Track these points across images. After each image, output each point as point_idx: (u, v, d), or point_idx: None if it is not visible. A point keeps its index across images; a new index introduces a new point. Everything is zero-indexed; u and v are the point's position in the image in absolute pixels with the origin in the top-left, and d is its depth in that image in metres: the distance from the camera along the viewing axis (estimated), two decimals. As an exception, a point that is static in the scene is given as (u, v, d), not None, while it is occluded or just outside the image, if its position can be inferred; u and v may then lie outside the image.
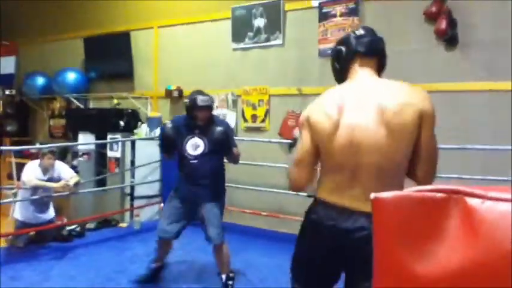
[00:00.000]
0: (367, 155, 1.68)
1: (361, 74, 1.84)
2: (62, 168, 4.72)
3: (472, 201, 0.79)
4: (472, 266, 0.76)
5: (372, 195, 0.90)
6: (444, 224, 0.83)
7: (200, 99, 3.33)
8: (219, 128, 3.37)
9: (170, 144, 3.40)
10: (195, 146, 3.38)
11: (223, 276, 3.54)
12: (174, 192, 3.57)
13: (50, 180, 4.58)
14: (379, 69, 1.93)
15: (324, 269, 1.86)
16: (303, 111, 1.90)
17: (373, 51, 1.89)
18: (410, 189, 0.89)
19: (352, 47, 1.88)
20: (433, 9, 4.24)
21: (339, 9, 4.84)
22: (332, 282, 1.88)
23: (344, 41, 1.93)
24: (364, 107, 1.70)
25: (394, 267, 0.87)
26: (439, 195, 0.84)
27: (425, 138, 1.76)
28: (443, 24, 4.18)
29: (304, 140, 1.82)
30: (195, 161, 3.37)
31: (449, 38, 4.23)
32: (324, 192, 1.79)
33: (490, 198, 0.78)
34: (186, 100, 3.44)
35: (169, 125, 3.42)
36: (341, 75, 1.92)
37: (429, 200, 0.85)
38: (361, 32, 1.91)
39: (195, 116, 3.35)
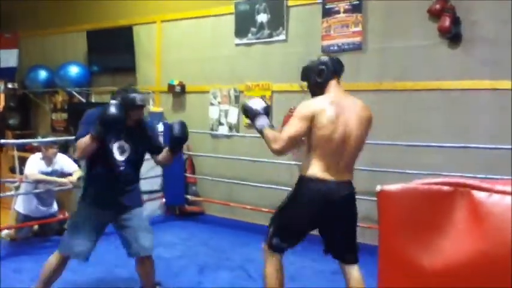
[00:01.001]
0: (352, 143, 2.59)
1: (337, 89, 2.67)
2: (64, 161, 4.73)
3: (479, 195, 0.79)
4: (478, 258, 0.77)
5: (378, 188, 0.91)
6: (450, 216, 0.83)
7: (139, 98, 2.88)
8: (146, 131, 3.04)
9: (109, 130, 2.77)
10: (121, 149, 2.95)
11: None
12: (85, 200, 2.99)
13: (53, 172, 4.59)
14: None
15: (311, 226, 2.69)
16: (302, 105, 2.60)
17: (342, 74, 2.75)
18: (417, 182, 0.89)
19: (331, 68, 2.68)
20: (437, 6, 4.23)
21: (342, 5, 4.83)
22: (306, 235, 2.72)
23: (325, 63, 2.69)
24: (348, 111, 2.57)
25: (399, 259, 0.88)
26: (445, 188, 0.85)
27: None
28: (446, 22, 4.17)
29: (301, 127, 2.53)
30: (122, 167, 2.93)
31: (453, 36, 4.22)
32: (319, 171, 2.55)
33: (497, 192, 0.78)
34: (116, 96, 2.93)
35: (116, 104, 2.78)
36: (319, 89, 2.68)
37: (436, 192, 0.85)
38: (334, 58, 2.77)
39: (127, 115, 2.83)
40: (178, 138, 2.99)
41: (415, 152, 4.36)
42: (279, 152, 2.60)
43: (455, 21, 4.18)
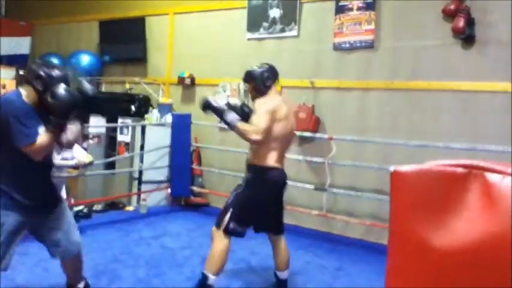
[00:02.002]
0: (291, 138, 3.19)
1: (276, 92, 3.18)
2: (75, 149, 4.75)
3: (492, 177, 0.79)
4: (490, 239, 0.77)
5: (391, 168, 0.91)
6: (463, 198, 0.83)
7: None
8: None
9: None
10: None
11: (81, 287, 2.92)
12: (10, 206, 2.41)
13: (63, 160, 4.62)
14: None
15: (264, 210, 3.04)
16: (262, 102, 2.98)
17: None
18: (431, 163, 0.89)
19: (274, 74, 3.16)
20: (452, 6, 4.20)
21: (356, 3, 4.80)
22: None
23: (271, 69, 3.16)
24: (289, 111, 3.10)
25: (410, 238, 0.88)
26: (459, 169, 0.85)
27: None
28: (461, 23, 4.14)
29: (269, 119, 2.88)
30: (46, 161, 2.55)
31: (467, 37, 4.19)
32: (273, 161, 2.98)
33: (511, 174, 0.78)
34: (33, 74, 2.39)
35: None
36: (263, 92, 3.07)
37: (449, 174, 0.85)
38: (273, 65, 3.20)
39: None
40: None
41: (425, 152, 4.33)
42: (260, 142, 2.87)
43: (470, 22, 4.15)
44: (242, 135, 2.91)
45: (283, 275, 3.30)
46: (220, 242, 2.97)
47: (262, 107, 2.94)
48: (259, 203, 3.02)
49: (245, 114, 3.18)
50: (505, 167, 0.80)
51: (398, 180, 0.98)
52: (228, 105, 3.16)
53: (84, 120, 2.48)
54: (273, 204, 3.13)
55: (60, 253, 2.68)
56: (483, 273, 0.80)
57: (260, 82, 3.10)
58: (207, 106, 3.03)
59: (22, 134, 2.31)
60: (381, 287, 3.60)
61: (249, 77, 3.17)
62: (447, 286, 0.86)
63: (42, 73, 2.37)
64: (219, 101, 3.09)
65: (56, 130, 2.39)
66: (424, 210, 0.92)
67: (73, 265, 2.81)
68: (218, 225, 3.00)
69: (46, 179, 2.62)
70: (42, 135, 2.35)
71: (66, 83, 2.39)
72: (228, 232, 2.97)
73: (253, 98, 3.14)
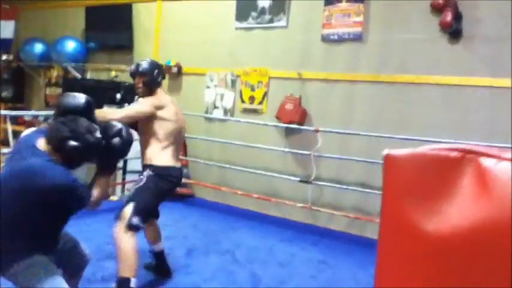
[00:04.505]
0: (182, 136, 3.33)
1: (162, 90, 3.21)
2: None
3: (486, 161, 0.78)
4: (483, 224, 0.76)
5: (385, 151, 0.91)
6: (457, 182, 0.82)
7: None
8: None
9: None
10: None
11: None
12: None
13: None
14: None
15: (162, 200, 3.14)
16: (150, 98, 3.06)
17: None
18: (425, 147, 0.88)
19: (163, 73, 3.28)
20: (440, 1, 4.19)
21: (345, -6, 4.78)
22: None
23: (160, 67, 3.21)
24: (178, 109, 3.19)
25: (402, 223, 0.86)
26: (453, 154, 0.83)
27: None
28: (448, 17, 4.14)
29: (145, 112, 2.97)
30: None
31: (453, 31, 4.20)
32: (168, 160, 3.05)
33: (505, 159, 0.77)
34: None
35: None
36: (154, 88, 3.11)
37: (443, 158, 0.84)
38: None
39: None
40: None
41: (411, 146, 4.35)
42: (122, 120, 2.66)
43: (457, 16, 4.16)
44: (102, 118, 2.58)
45: (160, 245, 3.39)
46: (127, 240, 2.83)
47: (147, 100, 3.03)
48: (157, 200, 3.10)
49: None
50: (499, 151, 0.79)
51: (391, 164, 0.97)
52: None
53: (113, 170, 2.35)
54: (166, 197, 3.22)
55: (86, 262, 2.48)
56: (477, 257, 0.80)
57: (152, 78, 3.10)
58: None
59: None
60: (364, 279, 3.63)
61: (147, 70, 3.11)
62: (439, 271, 0.85)
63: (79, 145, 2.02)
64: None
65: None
66: (417, 194, 0.91)
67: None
68: (120, 222, 2.87)
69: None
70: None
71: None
72: (131, 228, 2.85)
73: (142, 95, 3.09)
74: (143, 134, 3.11)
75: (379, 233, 0.96)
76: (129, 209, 2.88)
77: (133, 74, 3.16)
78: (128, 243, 2.82)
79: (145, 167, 3.08)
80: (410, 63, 4.49)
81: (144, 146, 3.10)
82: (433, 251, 0.83)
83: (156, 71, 3.13)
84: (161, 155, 3.04)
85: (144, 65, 3.12)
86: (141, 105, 3.03)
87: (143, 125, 3.09)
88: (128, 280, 2.77)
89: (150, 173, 3.01)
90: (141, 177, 3.03)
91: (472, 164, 0.82)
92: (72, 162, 2.08)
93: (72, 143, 2.00)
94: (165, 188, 3.07)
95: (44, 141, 2.06)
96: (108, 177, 2.30)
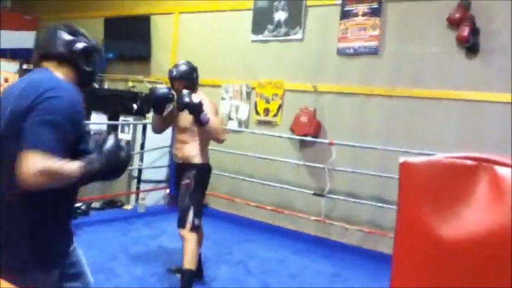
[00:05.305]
0: None
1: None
2: None
3: (502, 170, 0.79)
4: (498, 231, 0.77)
5: (401, 159, 0.93)
6: (472, 190, 0.83)
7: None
8: None
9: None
10: None
11: None
12: None
13: None
14: None
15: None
16: (210, 101, 3.26)
17: None
18: (441, 155, 0.90)
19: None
20: (457, 15, 4.19)
21: (361, 8, 4.80)
22: None
23: (196, 69, 3.36)
24: None
25: (418, 230, 0.88)
26: (469, 162, 0.85)
27: None
28: (465, 31, 4.12)
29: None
30: None
31: (471, 46, 4.18)
32: (207, 157, 3.33)
33: None
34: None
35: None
36: (195, 89, 3.30)
37: (459, 166, 0.86)
38: None
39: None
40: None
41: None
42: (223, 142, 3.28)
43: (474, 31, 4.14)
44: (213, 133, 3.10)
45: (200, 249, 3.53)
46: (194, 241, 3.17)
47: (214, 108, 3.29)
48: (203, 196, 3.45)
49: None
50: None
51: (407, 171, 0.99)
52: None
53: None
54: None
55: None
56: (492, 264, 0.81)
57: (195, 79, 3.34)
58: (185, 103, 3.03)
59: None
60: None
61: (187, 74, 3.27)
62: (455, 277, 0.86)
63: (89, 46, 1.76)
64: (196, 97, 3.10)
65: None
66: (433, 202, 0.92)
67: None
68: (184, 225, 3.17)
69: None
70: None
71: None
72: (194, 229, 3.19)
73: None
74: (190, 134, 3.24)
75: (394, 239, 0.97)
76: (190, 214, 3.16)
77: (175, 78, 3.23)
78: (194, 243, 3.16)
79: (188, 166, 3.26)
80: (426, 78, 4.47)
81: (188, 144, 3.26)
82: (449, 256, 0.85)
83: (195, 73, 3.34)
84: (204, 153, 3.30)
85: (188, 71, 3.27)
86: (217, 114, 3.39)
87: (192, 125, 3.19)
88: (193, 272, 3.17)
89: (194, 172, 3.24)
90: (188, 180, 3.22)
91: (487, 173, 0.84)
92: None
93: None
94: (207, 183, 3.37)
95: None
96: None
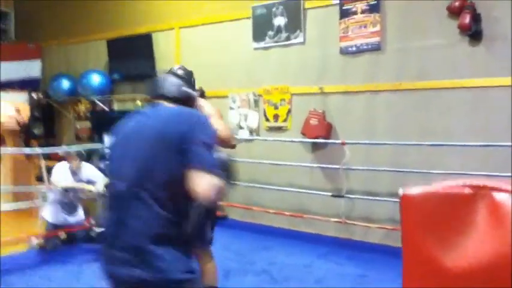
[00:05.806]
0: None
1: None
2: (90, 171, 4.81)
3: (499, 196, 0.80)
4: (500, 258, 0.78)
5: (400, 191, 0.94)
6: (472, 218, 0.84)
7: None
8: None
9: None
10: None
11: None
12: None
13: (79, 182, 4.68)
14: None
15: None
16: (210, 105, 2.60)
17: None
18: (438, 184, 0.91)
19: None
20: (457, 3, 4.16)
21: (359, 6, 4.80)
22: None
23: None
24: None
25: (422, 259, 0.89)
26: (466, 190, 0.86)
27: None
28: (467, 19, 4.10)
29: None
30: None
31: (473, 33, 4.16)
32: None
33: None
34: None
35: None
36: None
37: (456, 195, 0.87)
38: None
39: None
40: None
41: (437, 152, 4.31)
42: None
43: (476, 18, 4.11)
44: (225, 140, 2.56)
45: None
46: (210, 257, 2.95)
47: (216, 112, 2.77)
48: None
49: None
50: (511, 185, 0.81)
51: (408, 203, 1.00)
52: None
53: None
54: None
55: None
56: None
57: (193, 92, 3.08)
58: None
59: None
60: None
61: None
62: None
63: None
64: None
65: None
66: (434, 232, 0.94)
67: None
68: (205, 246, 2.98)
69: None
70: None
71: None
72: (209, 244, 3.02)
73: None
74: None
75: (402, 269, 0.99)
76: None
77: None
78: (211, 261, 2.94)
79: None
80: (431, 69, 4.46)
81: None
82: (454, 284, 0.86)
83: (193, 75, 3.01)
84: None
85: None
86: (221, 121, 2.93)
87: None
88: None
89: None
90: None
91: (485, 200, 0.85)
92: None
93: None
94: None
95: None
96: None
